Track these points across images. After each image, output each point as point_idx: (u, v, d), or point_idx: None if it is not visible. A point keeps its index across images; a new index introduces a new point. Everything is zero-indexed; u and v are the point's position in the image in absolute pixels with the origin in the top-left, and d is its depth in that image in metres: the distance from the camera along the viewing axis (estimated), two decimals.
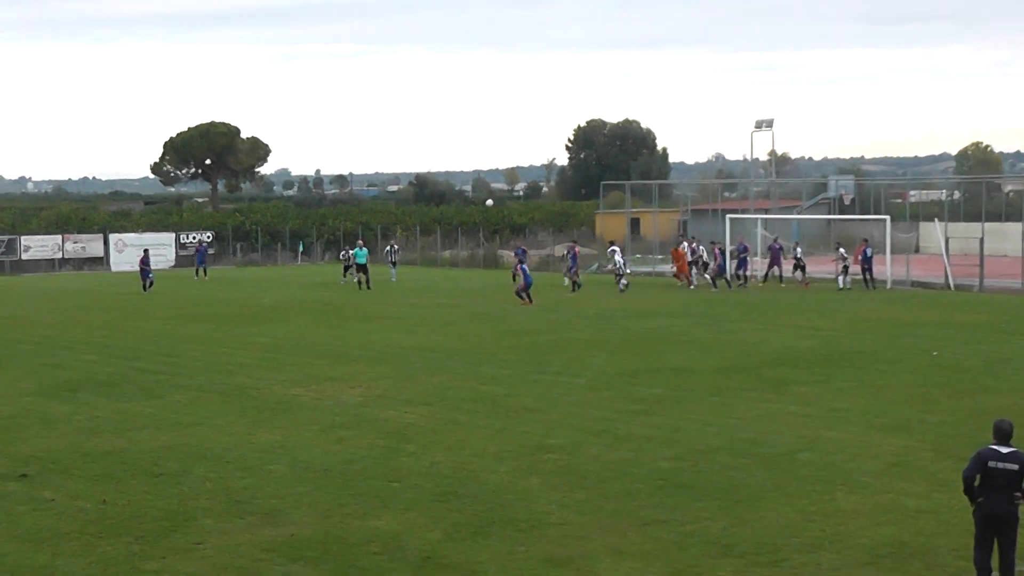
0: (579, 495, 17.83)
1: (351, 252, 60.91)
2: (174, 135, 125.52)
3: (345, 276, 61.75)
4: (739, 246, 57.29)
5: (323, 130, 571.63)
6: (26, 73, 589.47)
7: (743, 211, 69.05)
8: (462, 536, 15.84)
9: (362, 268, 58.80)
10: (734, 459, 20.06)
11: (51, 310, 47.83)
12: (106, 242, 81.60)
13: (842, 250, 55.21)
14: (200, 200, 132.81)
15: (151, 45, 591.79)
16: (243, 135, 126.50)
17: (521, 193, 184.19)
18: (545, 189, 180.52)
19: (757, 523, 16.28)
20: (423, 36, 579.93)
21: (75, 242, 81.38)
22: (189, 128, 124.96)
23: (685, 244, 58.24)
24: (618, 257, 54.64)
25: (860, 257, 54.81)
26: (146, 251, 60.54)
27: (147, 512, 17.15)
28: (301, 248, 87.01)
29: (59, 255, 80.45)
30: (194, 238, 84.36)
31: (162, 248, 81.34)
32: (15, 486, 18.81)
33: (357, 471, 19.53)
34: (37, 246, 79.90)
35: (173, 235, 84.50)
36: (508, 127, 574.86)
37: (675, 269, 58.16)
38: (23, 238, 79.99)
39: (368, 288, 57.30)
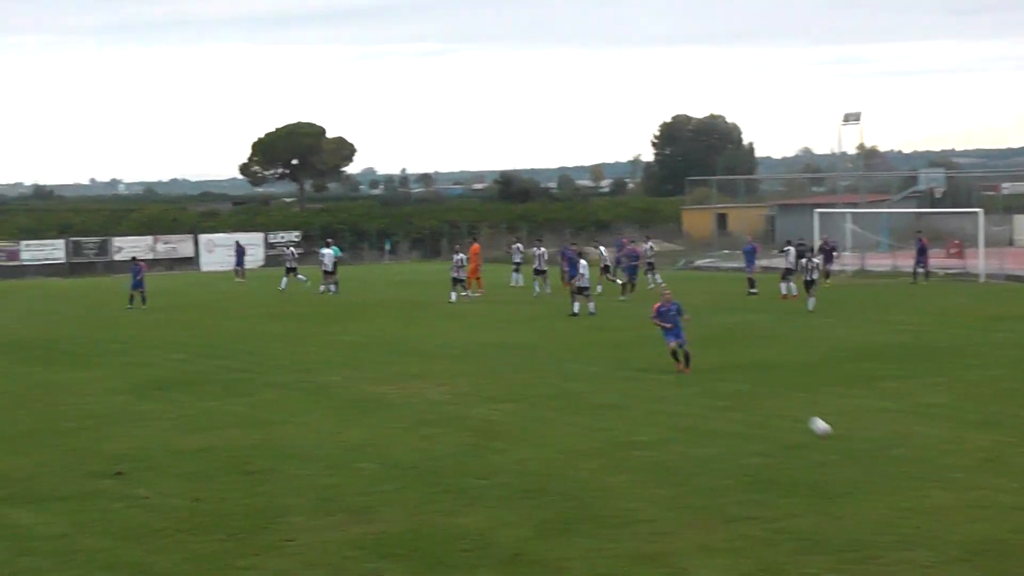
0: (666, 491, 17.77)
1: (461, 257, 50.28)
2: (261, 136, 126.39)
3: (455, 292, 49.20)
4: (826, 242, 56.02)
5: (408, 129, 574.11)
6: (115, 77, 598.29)
7: (831, 206, 68.37)
8: (550, 533, 15.85)
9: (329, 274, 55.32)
10: (823, 455, 19.89)
11: (141, 310, 48.46)
12: (196, 242, 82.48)
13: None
14: (287, 200, 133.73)
15: (237, 47, 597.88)
16: (328, 135, 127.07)
17: (606, 189, 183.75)
18: (630, 185, 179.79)
19: (848, 519, 16.13)
20: (505, 33, 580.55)
21: (165, 243, 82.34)
22: (276, 129, 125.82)
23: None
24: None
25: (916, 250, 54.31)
26: (134, 258, 57.51)
27: (238, 509, 17.33)
28: (388, 247, 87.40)
29: (150, 256, 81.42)
30: (282, 238, 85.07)
31: (251, 248, 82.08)
32: (110, 483, 19.09)
33: (445, 468, 19.59)
34: (129, 247, 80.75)
35: (261, 235, 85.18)
36: (593, 123, 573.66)
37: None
38: (115, 239, 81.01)
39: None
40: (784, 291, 47.70)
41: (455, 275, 48.79)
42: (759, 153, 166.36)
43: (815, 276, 43.15)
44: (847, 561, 14.46)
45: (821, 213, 61.44)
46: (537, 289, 50.79)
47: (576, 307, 41.92)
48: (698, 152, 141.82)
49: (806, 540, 15.28)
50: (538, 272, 51.26)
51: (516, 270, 55.83)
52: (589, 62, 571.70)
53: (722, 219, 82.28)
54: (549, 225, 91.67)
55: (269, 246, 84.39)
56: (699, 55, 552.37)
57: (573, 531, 15.90)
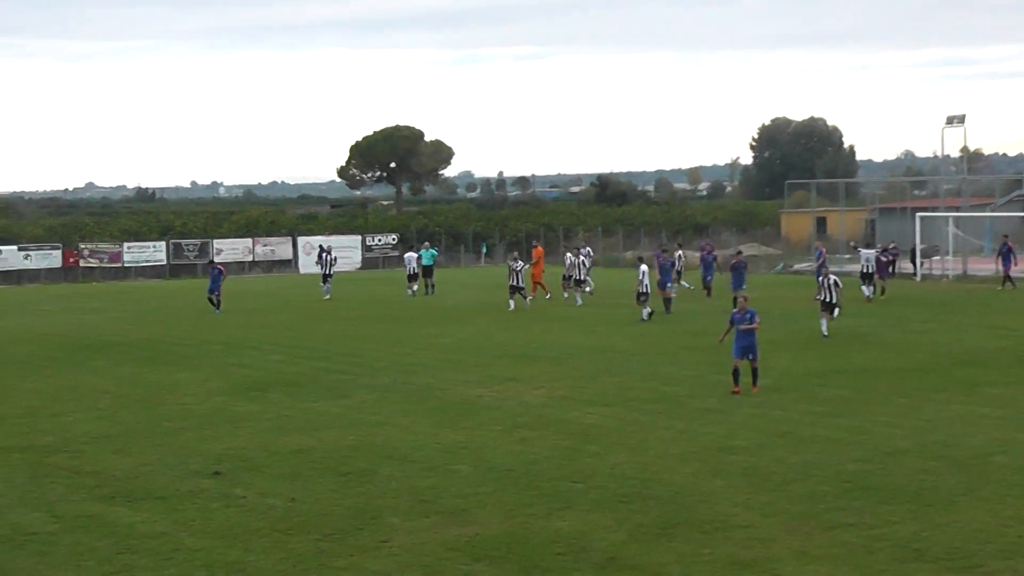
0: (764, 497, 17.61)
1: (580, 260, 50.16)
2: (359, 139, 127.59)
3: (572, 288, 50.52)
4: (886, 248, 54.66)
5: (505, 132, 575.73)
6: (216, 81, 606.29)
7: (933, 209, 67.44)
8: (646, 537, 15.76)
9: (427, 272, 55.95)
10: (924, 461, 19.60)
11: (240, 311, 49.01)
12: (294, 245, 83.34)
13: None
14: (385, 203, 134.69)
15: (336, 51, 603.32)
16: (426, 138, 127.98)
17: (704, 192, 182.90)
18: (728, 188, 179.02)
19: (949, 527, 15.87)
20: (603, 37, 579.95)
21: (264, 245, 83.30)
22: (374, 132, 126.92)
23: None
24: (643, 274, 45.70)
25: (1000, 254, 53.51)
26: (211, 261, 58.36)
27: (335, 510, 17.44)
28: (484, 250, 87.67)
29: (249, 258, 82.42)
30: (379, 240, 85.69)
31: (348, 250, 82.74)
32: (209, 483, 19.30)
33: (541, 471, 19.57)
34: (228, 249, 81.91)
35: (359, 238, 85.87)
36: (691, 126, 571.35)
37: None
38: (215, 241, 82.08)
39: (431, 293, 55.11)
40: (867, 294, 47.41)
41: (512, 283, 47.02)
42: (860, 156, 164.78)
43: (834, 297, 36.40)
44: (948, 570, 14.23)
45: (922, 217, 60.59)
46: (579, 300, 48.46)
47: (645, 313, 41.88)
48: (798, 155, 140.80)
49: (906, 548, 15.06)
50: (578, 282, 49.40)
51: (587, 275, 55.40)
52: (686, 65, 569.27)
53: (821, 222, 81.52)
54: (646, 228, 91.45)
55: (367, 249, 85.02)
56: (799, 57, 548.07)
57: (669, 536, 15.80)
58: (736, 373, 26.56)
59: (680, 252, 55.39)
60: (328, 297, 54.10)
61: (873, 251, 49.48)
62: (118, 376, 31.38)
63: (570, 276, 50.25)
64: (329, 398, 27.23)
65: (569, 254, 51.41)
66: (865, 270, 48.64)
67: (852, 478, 18.62)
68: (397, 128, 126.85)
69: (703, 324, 40.27)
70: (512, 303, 46.83)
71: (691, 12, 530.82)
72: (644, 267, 42.34)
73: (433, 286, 55.66)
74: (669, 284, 45.27)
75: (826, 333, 35.86)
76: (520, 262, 47.99)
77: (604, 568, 14.65)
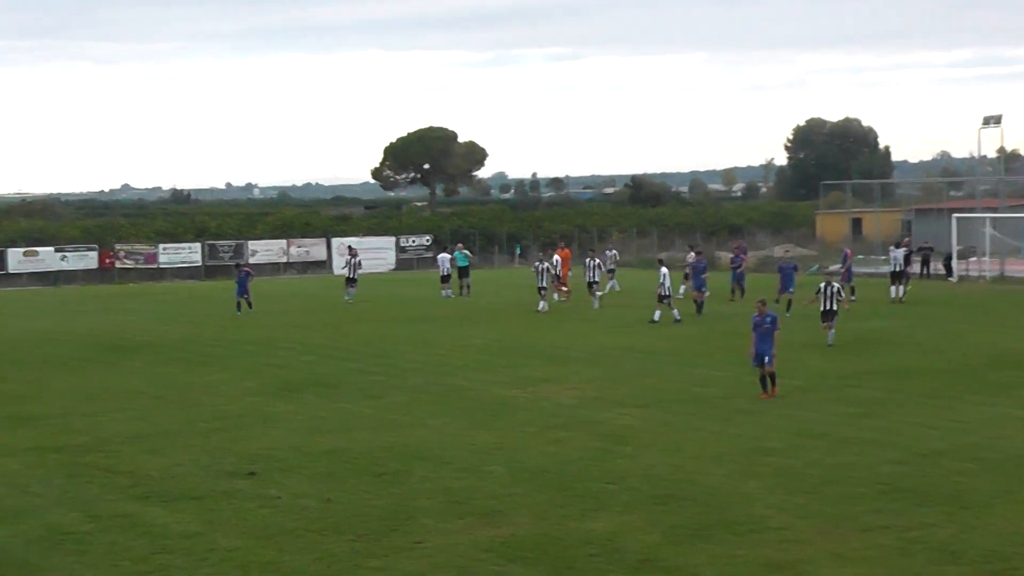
0: (798, 499, 17.54)
1: (595, 263, 49.53)
2: (393, 140, 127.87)
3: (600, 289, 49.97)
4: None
5: (539, 133, 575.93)
6: (249, 83, 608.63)
7: (970, 210, 67.05)
8: (680, 539, 15.73)
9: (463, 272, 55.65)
10: (959, 463, 19.50)
11: (274, 312, 49.15)
12: (328, 246, 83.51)
13: None
14: (419, 204, 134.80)
15: (369, 53, 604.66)
16: (460, 139, 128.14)
17: (738, 193, 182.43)
18: (763, 189, 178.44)
19: (985, 530, 15.78)
20: (636, 38, 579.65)
21: (299, 246, 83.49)
22: (408, 133, 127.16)
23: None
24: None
25: None
26: (238, 264, 57.72)
27: (369, 511, 17.47)
28: (518, 251, 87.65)
29: (284, 259, 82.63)
30: (413, 242, 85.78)
31: (382, 252, 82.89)
32: (244, 483, 19.36)
33: (574, 472, 19.56)
34: (263, 250, 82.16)
35: (393, 239, 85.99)
36: (725, 127, 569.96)
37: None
38: (250, 242, 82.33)
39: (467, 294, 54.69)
40: (893, 295, 47.19)
41: (539, 284, 46.41)
42: (895, 157, 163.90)
43: (835, 305, 34.67)
44: (984, 573, 14.15)
45: (959, 218, 60.27)
46: (596, 303, 47.68)
47: (657, 315, 41.74)
48: (833, 156, 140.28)
49: (942, 551, 14.98)
50: (590, 284, 48.43)
51: (612, 276, 55.22)
52: (721, 65, 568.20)
53: (857, 224, 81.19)
54: (680, 230, 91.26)
55: (401, 250, 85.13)
56: (834, 58, 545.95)
57: (703, 537, 15.77)
58: (763, 380, 26.16)
59: (613, 252, 56.43)
60: (350, 300, 52.33)
61: (902, 250, 49.19)
62: (153, 376, 31.52)
63: (594, 281, 49.44)
64: (362, 399, 27.28)
65: (587, 259, 50.45)
66: (895, 269, 48.37)
67: (887, 480, 18.53)
68: (431, 129, 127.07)
69: (736, 325, 40.10)
70: (543, 304, 46.57)
71: (725, 12, 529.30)
72: (664, 269, 42.50)
73: (469, 287, 55.61)
74: (703, 287, 45.10)
75: (831, 342, 34.42)
76: (546, 262, 47.53)
77: (638, 570, 14.63)
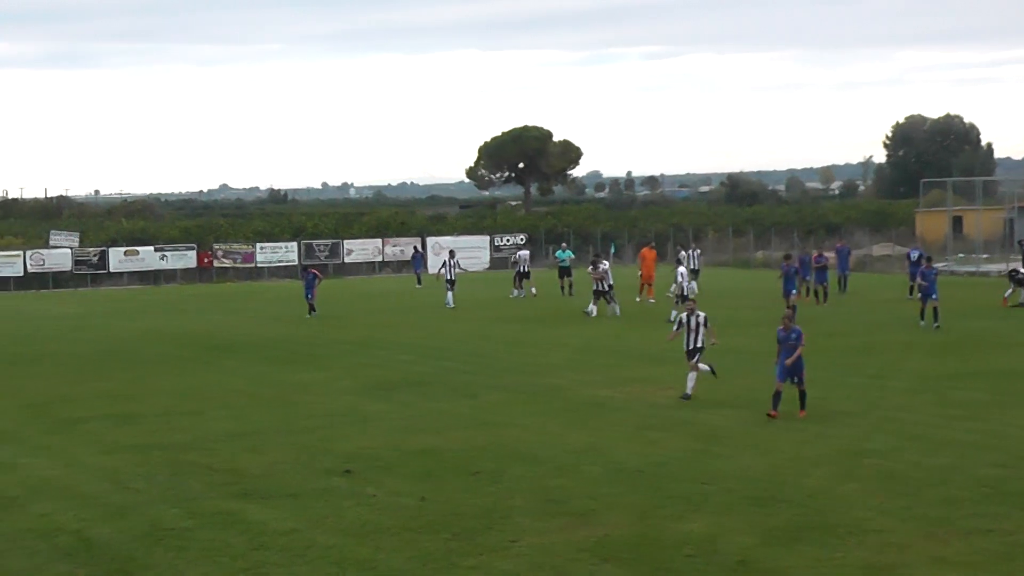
0: (898, 502, 17.31)
1: (604, 268, 46.21)
2: (488, 140, 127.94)
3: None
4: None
5: (634, 131, 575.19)
6: (346, 83, 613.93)
7: None
8: (777, 541, 15.58)
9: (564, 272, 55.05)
10: None
11: (370, 311, 49.45)
12: (423, 245, 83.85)
13: None
14: (513, 203, 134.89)
15: (465, 53, 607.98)
16: (555, 138, 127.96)
17: (836, 192, 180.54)
18: (862, 188, 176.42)
19: None
20: (730, 36, 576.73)
21: (394, 245, 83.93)
22: (503, 133, 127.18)
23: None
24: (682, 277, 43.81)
25: None
26: (306, 267, 56.60)
27: (464, 509, 17.50)
28: (613, 250, 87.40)
29: (379, 258, 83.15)
30: (508, 241, 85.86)
31: (477, 251, 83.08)
32: (340, 481, 19.49)
33: (670, 473, 19.46)
34: (359, 250, 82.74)
35: (487, 238, 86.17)
36: (822, 125, 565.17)
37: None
38: (346, 242, 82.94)
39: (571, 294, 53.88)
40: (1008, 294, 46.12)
41: (597, 288, 45.34)
42: (998, 154, 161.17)
43: (700, 340, 27.00)
44: None
45: None
46: (617, 311, 45.78)
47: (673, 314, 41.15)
48: (933, 153, 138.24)
49: None
50: (606, 291, 45.89)
51: (695, 277, 54.18)
52: (818, 63, 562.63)
53: (958, 222, 79.93)
54: (776, 229, 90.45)
55: (495, 249, 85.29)
56: (934, 55, 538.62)
57: (800, 540, 15.60)
58: (777, 396, 23.94)
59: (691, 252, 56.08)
60: (451, 305, 50.13)
61: None
62: (250, 375, 31.85)
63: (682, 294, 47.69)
64: (457, 398, 27.35)
65: (682, 268, 45.78)
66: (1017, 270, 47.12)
67: (989, 483, 18.23)
68: (526, 128, 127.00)
69: (832, 326, 39.75)
70: (594, 308, 45.02)
71: (821, 10, 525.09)
72: (682, 268, 42.54)
73: (571, 286, 55.28)
74: (793, 291, 44.42)
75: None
76: (603, 264, 45.85)
77: (734, 571, 14.51)
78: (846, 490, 18.10)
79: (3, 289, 71.57)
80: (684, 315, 26.71)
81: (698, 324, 26.60)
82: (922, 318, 38.78)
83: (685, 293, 41.51)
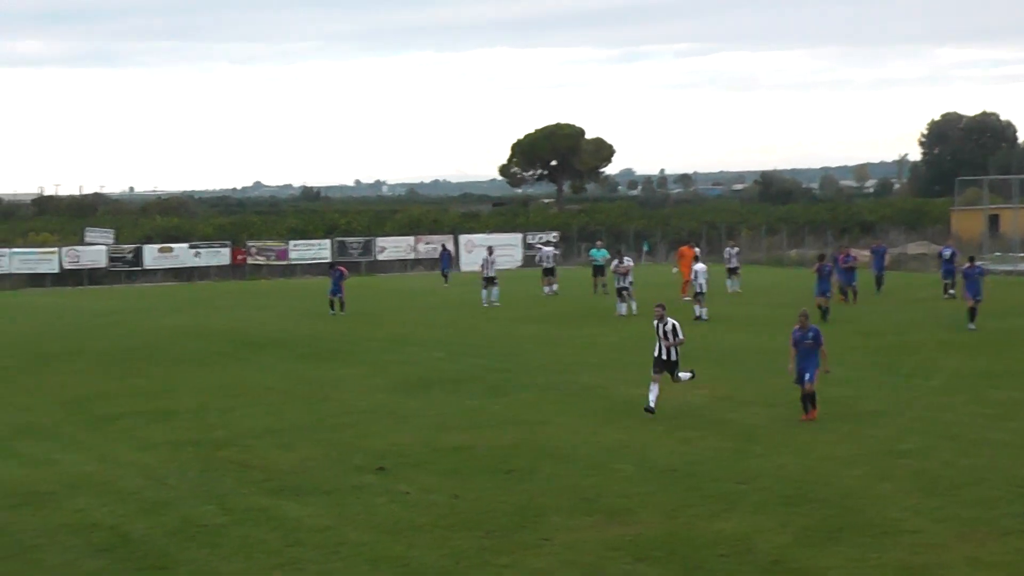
0: (933, 502, 17.22)
1: (628, 265, 45.64)
2: (521, 137, 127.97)
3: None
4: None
5: (667, 129, 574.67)
6: (379, 81, 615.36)
7: None
8: (812, 541, 15.53)
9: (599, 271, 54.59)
10: None
11: (402, 309, 49.51)
12: (456, 243, 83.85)
13: None
14: (546, 201, 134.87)
15: (497, 51, 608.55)
16: (587, 136, 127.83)
17: (871, 190, 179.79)
18: (897, 186, 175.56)
19: None
20: (763, 33, 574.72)
21: (427, 243, 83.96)
22: (535, 130, 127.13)
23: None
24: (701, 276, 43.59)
25: None
26: (332, 263, 56.72)
27: (497, 507, 17.50)
28: (646, 248, 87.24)
29: (411, 256, 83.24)
30: (540, 238, 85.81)
31: (509, 249, 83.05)
32: (373, 478, 19.53)
33: (703, 472, 19.41)
34: (391, 247, 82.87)
35: (520, 236, 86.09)
36: (857, 122, 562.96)
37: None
38: (378, 240, 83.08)
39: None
40: None
41: (620, 285, 44.70)
42: None
43: (674, 352, 25.18)
44: None
45: None
46: (623, 311, 44.80)
47: (700, 311, 41.79)
48: (969, 151, 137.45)
49: None
50: (619, 291, 45.23)
51: (729, 276, 53.67)
52: (852, 61, 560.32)
53: (994, 220, 79.45)
54: (810, 227, 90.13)
55: (528, 247, 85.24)
56: (970, 52, 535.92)
57: (835, 539, 15.54)
58: (804, 399, 23.65)
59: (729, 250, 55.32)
60: (496, 302, 49.81)
61: None
62: (283, 372, 31.94)
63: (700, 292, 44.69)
64: (489, 396, 27.36)
65: (700, 265, 45.09)
66: None
67: None
68: (558, 126, 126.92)
69: (868, 325, 39.58)
70: (622, 307, 44.56)
71: (857, 7, 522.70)
72: (700, 265, 42.56)
73: (605, 285, 54.96)
74: (828, 292, 43.99)
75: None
76: (626, 261, 45.20)
77: (768, 571, 14.47)
78: (880, 490, 18.02)
79: (39, 285, 72.09)
80: (654, 322, 25.12)
81: (666, 332, 24.72)
82: (971, 320, 37.95)
83: (702, 291, 41.67)
